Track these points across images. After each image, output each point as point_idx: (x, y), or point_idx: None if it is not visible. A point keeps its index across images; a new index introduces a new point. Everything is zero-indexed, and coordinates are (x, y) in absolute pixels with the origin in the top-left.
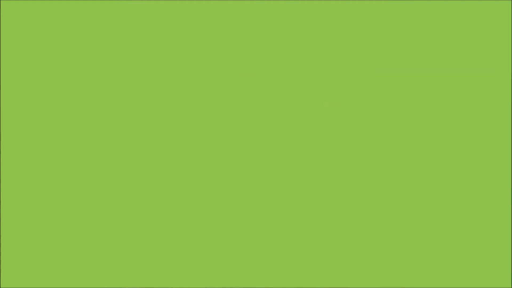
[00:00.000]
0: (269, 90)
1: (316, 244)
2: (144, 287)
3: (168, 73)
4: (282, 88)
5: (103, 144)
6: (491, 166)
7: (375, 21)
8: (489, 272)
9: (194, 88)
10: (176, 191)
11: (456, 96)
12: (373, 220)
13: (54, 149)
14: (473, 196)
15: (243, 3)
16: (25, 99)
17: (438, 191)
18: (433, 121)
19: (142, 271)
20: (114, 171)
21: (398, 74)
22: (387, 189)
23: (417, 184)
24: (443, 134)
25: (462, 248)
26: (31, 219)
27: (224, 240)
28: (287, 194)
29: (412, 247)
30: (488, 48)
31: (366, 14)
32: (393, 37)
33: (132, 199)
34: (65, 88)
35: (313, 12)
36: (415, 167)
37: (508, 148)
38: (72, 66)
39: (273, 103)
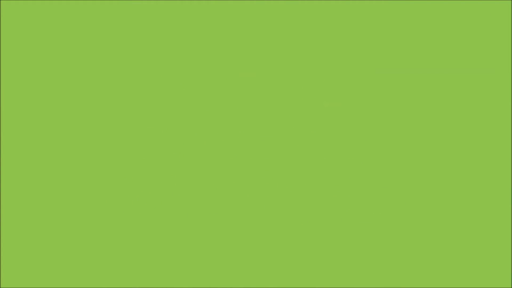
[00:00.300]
0: (269, 90)
1: (316, 244)
2: (144, 287)
3: (168, 73)
4: (282, 88)
5: (103, 144)
6: (491, 166)
7: (375, 21)
8: (489, 272)
9: (194, 88)
10: (176, 191)
11: (456, 96)
12: (373, 220)
13: (54, 149)
14: (473, 196)
15: (243, 3)
16: (25, 99)
17: (438, 191)
18: (433, 121)
19: (142, 271)
20: (114, 171)
21: (398, 74)
22: (387, 189)
23: (417, 184)
24: (443, 134)
25: (462, 248)
26: (31, 219)
27: (224, 240)
28: (287, 194)
29: (412, 247)
30: (488, 48)
31: (366, 14)
32: (393, 37)
33: (132, 199)
34: (65, 88)
35: (313, 12)
36: (415, 167)
37: (508, 148)
38: (72, 66)
39: (273, 103)
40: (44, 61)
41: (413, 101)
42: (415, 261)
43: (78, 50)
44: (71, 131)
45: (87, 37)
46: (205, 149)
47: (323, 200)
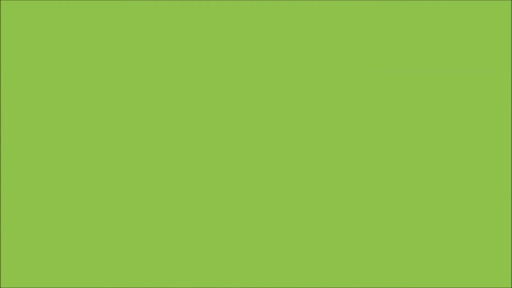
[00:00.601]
0: (269, 90)
1: (316, 244)
2: (144, 287)
3: (168, 73)
4: (282, 88)
5: (103, 144)
6: (491, 166)
7: (375, 21)
8: (489, 272)
9: (194, 88)
10: (176, 191)
11: (456, 96)
12: (373, 220)
13: (54, 149)
14: (473, 196)
15: (243, 3)
16: (25, 99)
17: (438, 191)
18: (433, 121)
19: (142, 271)
20: (114, 171)
21: (398, 74)
22: (387, 189)
23: (417, 184)
24: (443, 134)
25: (462, 248)
26: (31, 219)
27: (224, 240)
28: (287, 194)
29: (412, 247)
30: (488, 48)
31: (366, 14)
32: (393, 37)
33: (132, 199)
34: (65, 88)
35: (313, 12)
36: (415, 167)
37: (508, 148)
38: (72, 66)
39: (273, 103)
40: (44, 61)
41: (413, 101)
42: (415, 261)
43: (78, 50)
44: (71, 131)
45: (87, 37)
46: (205, 149)
47: (323, 200)
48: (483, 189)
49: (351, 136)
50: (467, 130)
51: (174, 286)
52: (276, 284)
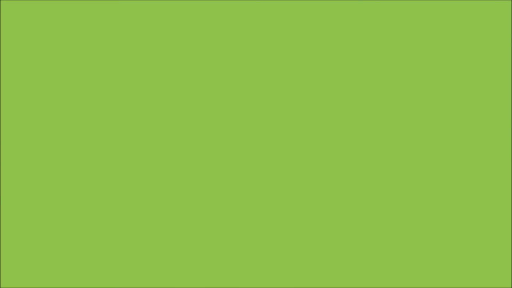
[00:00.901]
0: (269, 90)
1: (316, 244)
2: (144, 287)
3: (168, 73)
4: (282, 88)
5: (103, 144)
6: (491, 166)
7: (375, 21)
8: (489, 272)
9: (194, 88)
10: (176, 191)
11: (456, 96)
12: (373, 220)
13: (54, 149)
14: (473, 196)
15: (243, 3)
16: (25, 99)
17: (438, 191)
18: (433, 121)
19: (142, 271)
20: (114, 171)
21: (398, 74)
22: (387, 189)
23: (417, 184)
24: (443, 134)
25: (462, 248)
26: (31, 219)
27: (224, 240)
28: (287, 194)
29: (412, 247)
30: (488, 48)
31: (366, 14)
32: (393, 38)
33: (132, 199)
34: (65, 88)
35: (313, 12)
36: (415, 167)
37: (508, 148)
38: (72, 66)
39: (273, 103)
40: (44, 61)
41: (413, 101)
42: (415, 261)
43: (78, 50)
44: (71, 131)
45: (87, 37)
46: (205, 149)
47: (323, 200)
48: (483, 189)
49: (351, 136)
50: (467, 130)
51: (174, 286)
52: (276, 284)
